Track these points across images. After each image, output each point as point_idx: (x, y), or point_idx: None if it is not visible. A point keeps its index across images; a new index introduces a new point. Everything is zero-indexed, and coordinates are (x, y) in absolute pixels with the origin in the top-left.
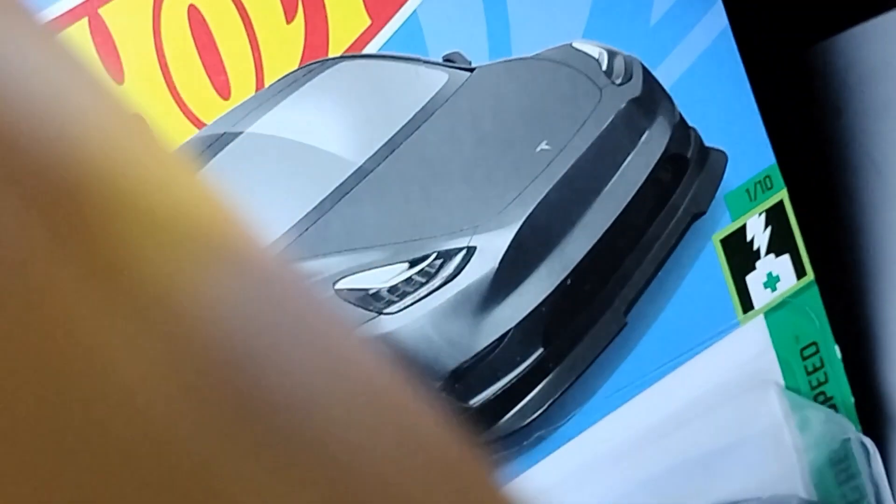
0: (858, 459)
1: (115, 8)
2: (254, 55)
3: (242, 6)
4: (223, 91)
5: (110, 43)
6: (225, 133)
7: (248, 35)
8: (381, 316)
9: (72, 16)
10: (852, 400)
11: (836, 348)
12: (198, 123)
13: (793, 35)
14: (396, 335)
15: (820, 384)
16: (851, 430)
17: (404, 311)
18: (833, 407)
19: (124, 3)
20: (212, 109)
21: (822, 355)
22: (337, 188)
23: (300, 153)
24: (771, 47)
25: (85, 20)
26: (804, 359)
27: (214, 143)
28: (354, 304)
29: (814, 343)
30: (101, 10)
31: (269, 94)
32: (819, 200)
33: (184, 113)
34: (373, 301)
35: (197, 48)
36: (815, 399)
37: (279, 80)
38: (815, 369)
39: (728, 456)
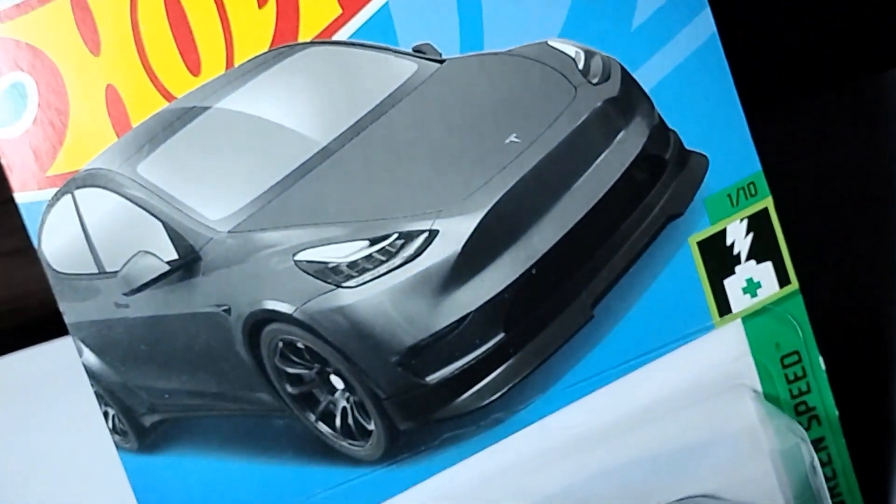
0: (805, 464)
1: None
2: (225, 36)
3: None
4: (194, 68)
5: (90, 18)
6: (194, 107)
7: (221, 17)
8: (340, 289)
9: None
10: (836, 413)
11: (821, 359)
12: (168, 97)
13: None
14: (354, 308)
15: (801, 394)
16: (802, 435)
17: (363, 285)
18: (815, 418)
19: None
20: (182, 84)
21: (804, 365)
22: (301, 165)
23: (266, 130)
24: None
25: None
26: (785, 367)
27: (183, 116)
28: (313, 276)
29: (796, 352)
30: None
31: (239, 73)
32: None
33: (155, 86)
34: (331, 274)
35: (171, 26)
36: (796, 409)
37: (249, 60)
38: (797, 378)
39: (698, 456)
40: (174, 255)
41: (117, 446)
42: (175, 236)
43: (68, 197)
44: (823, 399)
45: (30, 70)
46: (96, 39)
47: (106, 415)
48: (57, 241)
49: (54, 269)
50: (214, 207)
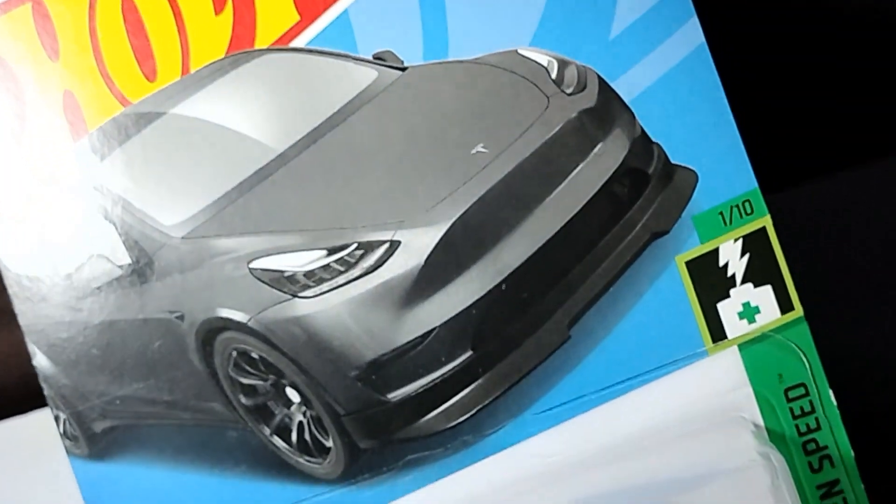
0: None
1: None
2: (181, 43)
3: None
4: (150, 74)
5: (50, 25)
6: (149, 112)
7: (177, 24)
8: (296, 299)
9: (18, 0)
10: (852, 453)
11: (831, 393)
12: (124, 102)
13: None
14: (311, 318)
15: (810, 431)
16: (766, 454)
17: (321, 296)
18: (828, 459)
19: None
20: (138, 90)
21: (812, 399)
22: (257, 172)
23: (221, 136)
24: None
25: (28, 5)
26: (790, 400)
27: (139, 121)
28: (268, 285)
29: (802, 384)
30: None
31: (194, 80)
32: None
33: (112, 92)
34: (287, 283)
35: (128, 33)
36: (805, 447)
37: (204, 66)
38: (804, 413)
39: (688, 493)
40: (127, 260)
41: (68, 451)
42: (128, 240)
43: None
44: (836, 438)
45: None
46: (55, 46)
47: (57, 419)
48: (13, 242)
49: (10, 270)
50: (168, 212)
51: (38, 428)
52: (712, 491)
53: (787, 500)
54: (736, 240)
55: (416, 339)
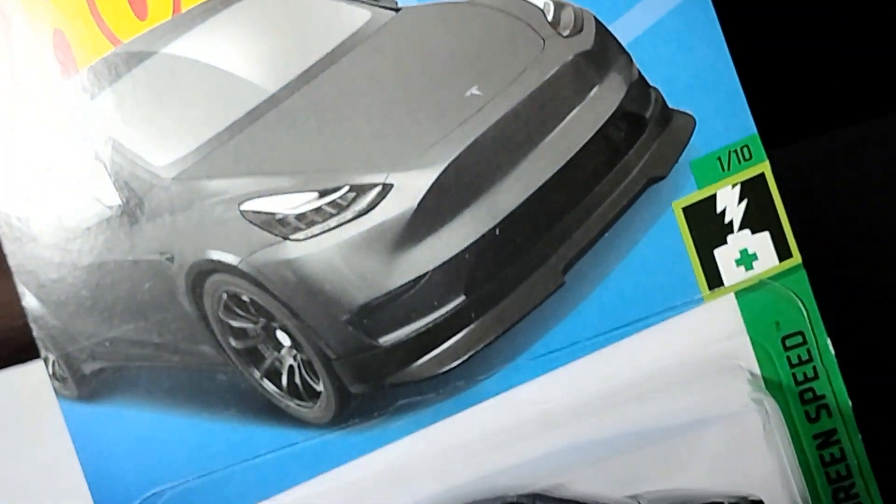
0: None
1: None
2: None
3: None
4: (141, 13)
5: None
6: (140, 51)
7: None
8: (287, 241)
9: None
10: (849, 403)
11: (829, 342)
12: (114, 41)
13: None
14: (302, 261)
15: (807, 380)
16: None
17: (312, 239)
18: (825, 408)
19: None
20: (129, 29)
21: (809, 347)
22: (248, 113)
23: (212, 76)
24: None
25: None
26: (787, 349)
27: (130, 60)
28: (259, 227)
29: (800, 332)
30: None
31: (186, 19)
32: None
33: (102, 31)
34: (279, 226)
35: None
36: (802, 396)
37: (196, 6)
38: (802, 362)
39: (683, 440)
40: (117, 201)
41: (57, 393)
42: (118, 181)
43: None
44: (834, 387)
45: None
46: None
47: (46, 360)
48: (1, 181)
49: None
50: (159, 153)
51: (37, 377)
52: (705, 437)
53: (780, 447)
54: (734, 185)
55: (408, 283)
